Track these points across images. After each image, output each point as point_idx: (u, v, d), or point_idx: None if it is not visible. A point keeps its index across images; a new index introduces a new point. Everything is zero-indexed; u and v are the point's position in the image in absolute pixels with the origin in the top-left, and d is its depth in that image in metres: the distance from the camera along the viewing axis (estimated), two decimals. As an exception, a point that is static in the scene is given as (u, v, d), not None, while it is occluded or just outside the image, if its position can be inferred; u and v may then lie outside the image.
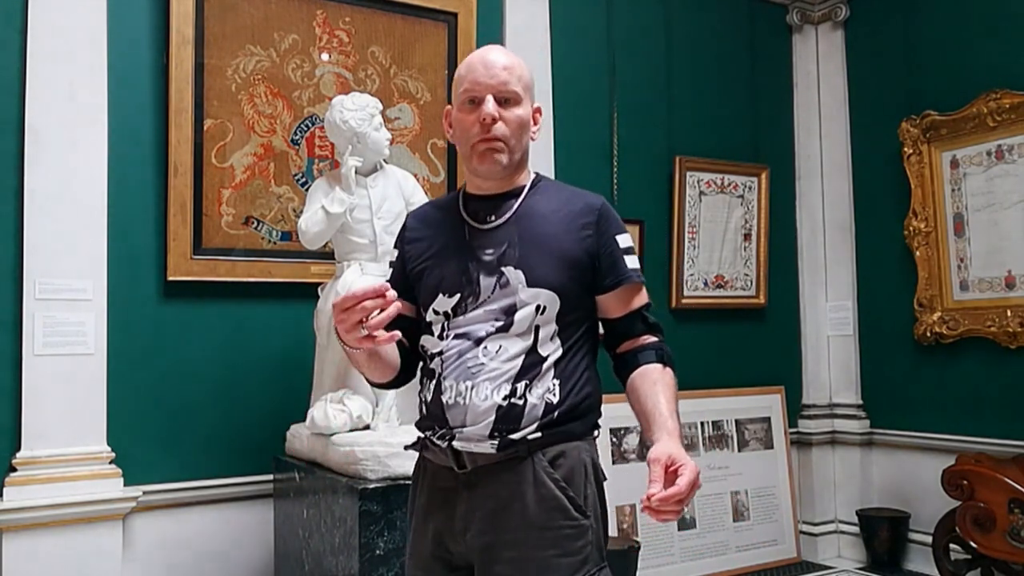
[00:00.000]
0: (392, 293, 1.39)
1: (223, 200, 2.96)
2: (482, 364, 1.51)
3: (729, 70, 4.26)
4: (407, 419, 2.44)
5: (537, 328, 1.53)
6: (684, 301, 4.05)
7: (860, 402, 4.30)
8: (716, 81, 4.21)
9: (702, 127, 4.13)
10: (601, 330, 1.67)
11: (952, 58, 3.91)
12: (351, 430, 2.48)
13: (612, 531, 3.63)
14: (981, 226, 3.80)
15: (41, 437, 2.60)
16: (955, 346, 3.89)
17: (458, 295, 1.56)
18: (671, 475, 1.35)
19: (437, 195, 3.16)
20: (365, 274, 2.57)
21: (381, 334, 1.40)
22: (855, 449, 4.25)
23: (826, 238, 4.42)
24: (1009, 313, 3.67)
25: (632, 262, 1.61)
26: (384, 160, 2.75)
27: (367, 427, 2.51)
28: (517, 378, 1.50)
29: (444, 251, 1.61)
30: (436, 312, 1.59)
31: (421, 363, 1.64)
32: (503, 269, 1.55)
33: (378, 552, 2.17)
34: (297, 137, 3.11)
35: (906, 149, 4.02)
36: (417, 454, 1.66)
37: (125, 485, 2.70)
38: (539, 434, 1.50)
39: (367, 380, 1.69)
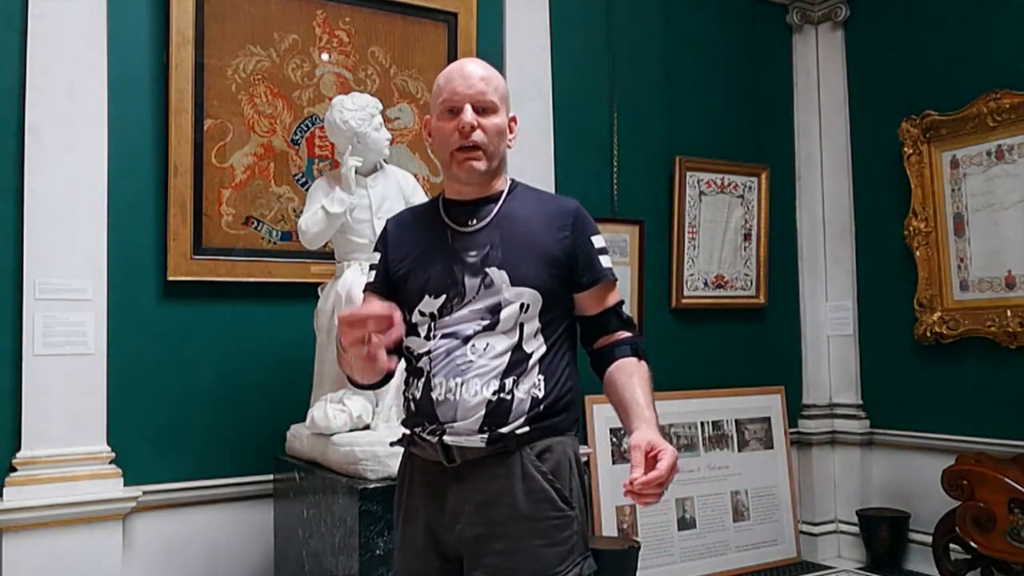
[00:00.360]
0: (398, 316, 1.42)
1: (223, 200, 2.96)
2: (471, 361, 1.57)
3: (729, 70, 4.25)
4: (407, 419, 2.44)
5: (522, 325, 1.59)
6: (684, 301, 4.05)
7: (860, 402, 4.30)
8: (716, 81, 4.21)
9: (702, 127, 4.13)
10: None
11: (952, 58, 3.91)
12: (351, 430, 2.47)
13: (612, 531, 3.63)
14: (981, 226, 3.80)
15: (41, 437, 2.60)
16: (955, 346, 3.89)
17: (444, 296, 1.62)
18: (651, 460, 1.41)
19: (436, 194, 3.15)
20: (365, 274, 2.56)
21: (381, 353, 1.44)
22: (855, 449, 4.25)
23: (826, 238, 4.42)
24: (1009, 313, 3.67)
25: (606, 262, 1.69)
26: (384, 160, 2.75)
27: (367, 427, 2.50)
28: (505, 374, 1.56)
29: (428, 254, 1.66)
30: (422, 313, 1.63)
31: (406, 363, 1.69)
32: (487, 270, 1.60)
33: (378, 552, 2.17)
34: (297, 137, 3.11)
35: (906, 149, 4.02)
36: (402, 451, 1.71)
37: (125, 485, 2.70)
38: (527, 428, 1.57)
39: (349, 380, 1.72)
